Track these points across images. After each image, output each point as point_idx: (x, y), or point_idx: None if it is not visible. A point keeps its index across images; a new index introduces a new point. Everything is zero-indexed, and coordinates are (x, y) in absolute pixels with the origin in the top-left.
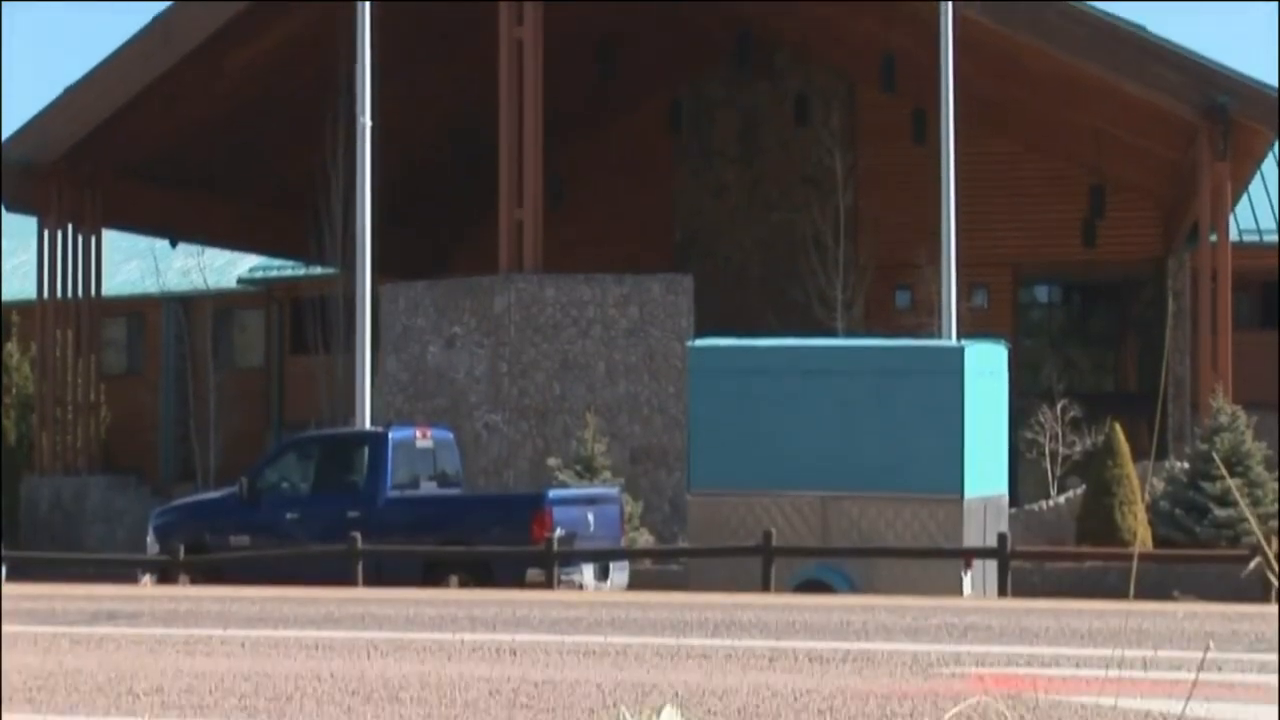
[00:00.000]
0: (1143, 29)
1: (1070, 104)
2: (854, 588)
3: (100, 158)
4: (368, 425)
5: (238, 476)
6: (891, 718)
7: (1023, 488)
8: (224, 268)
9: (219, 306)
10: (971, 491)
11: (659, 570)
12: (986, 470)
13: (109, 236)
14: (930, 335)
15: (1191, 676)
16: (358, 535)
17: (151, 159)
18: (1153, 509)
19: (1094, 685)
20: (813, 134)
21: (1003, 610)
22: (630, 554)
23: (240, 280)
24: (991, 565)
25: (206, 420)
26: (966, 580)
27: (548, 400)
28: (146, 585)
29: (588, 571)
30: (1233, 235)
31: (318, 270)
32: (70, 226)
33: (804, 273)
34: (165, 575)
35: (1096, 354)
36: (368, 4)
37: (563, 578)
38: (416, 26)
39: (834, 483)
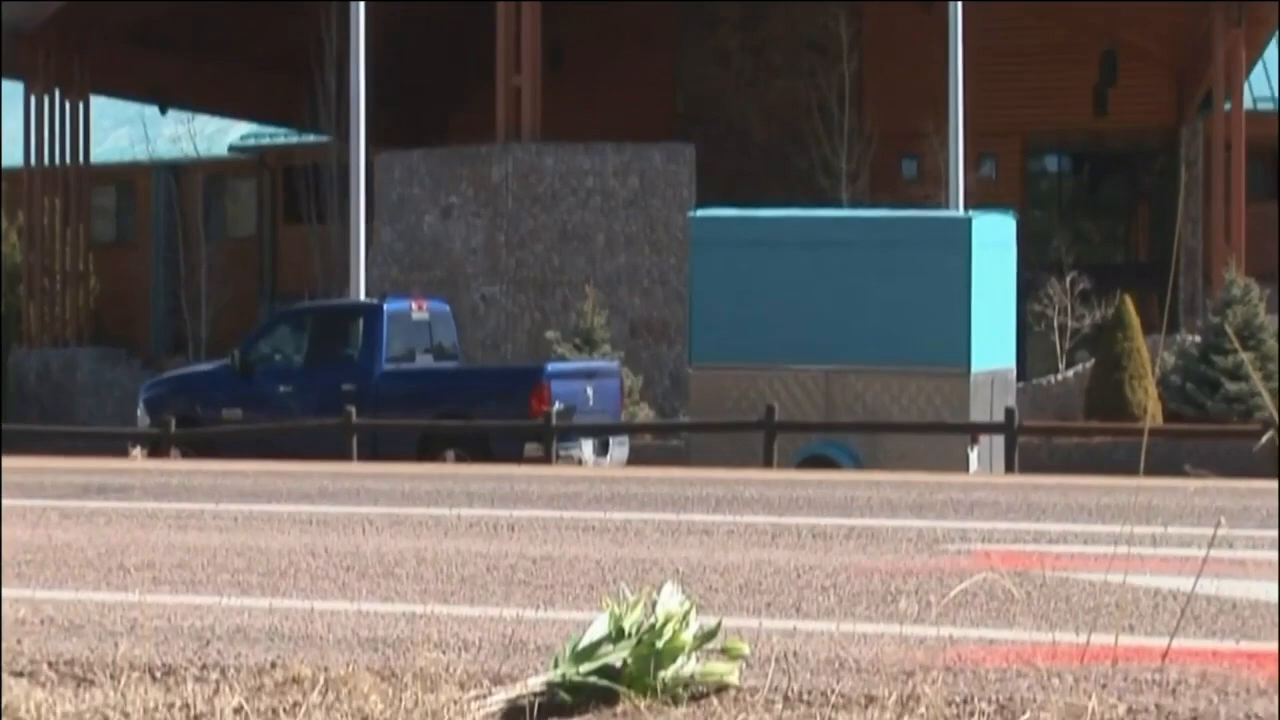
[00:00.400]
0: None
1: None
2: (858, 463)
3: (88, 21)
4: (362, 297)
5: (229, 349)
6: (896, 594)
7: (1031, 362)
8: (215, 135)
9: (210, 174)
10: (978, 365)
11: (659, 445)
12: (994, 344)
13: (97, 103)
14: (937, 206)
15: (1202, 553)
16: (352, 409)
17: (141, 22)
18: (1163, 383)
19: (1102, 562)
20: None
21: (1009, 486)
22: (630, 429)
23: (232, 148)
24: (998, 440)
25: (198, 291)
26: (973, 456)
27: (546, 272)
28: (137, 459)
29: (587, 446)
30: (1246, 103)
31: (311, 138)
32: (57, 92)
33: (808, 142)
34: (156, 449)
35: (1107, 225)
36: None
37: (561, 453)
38: None
39: (838, 356)
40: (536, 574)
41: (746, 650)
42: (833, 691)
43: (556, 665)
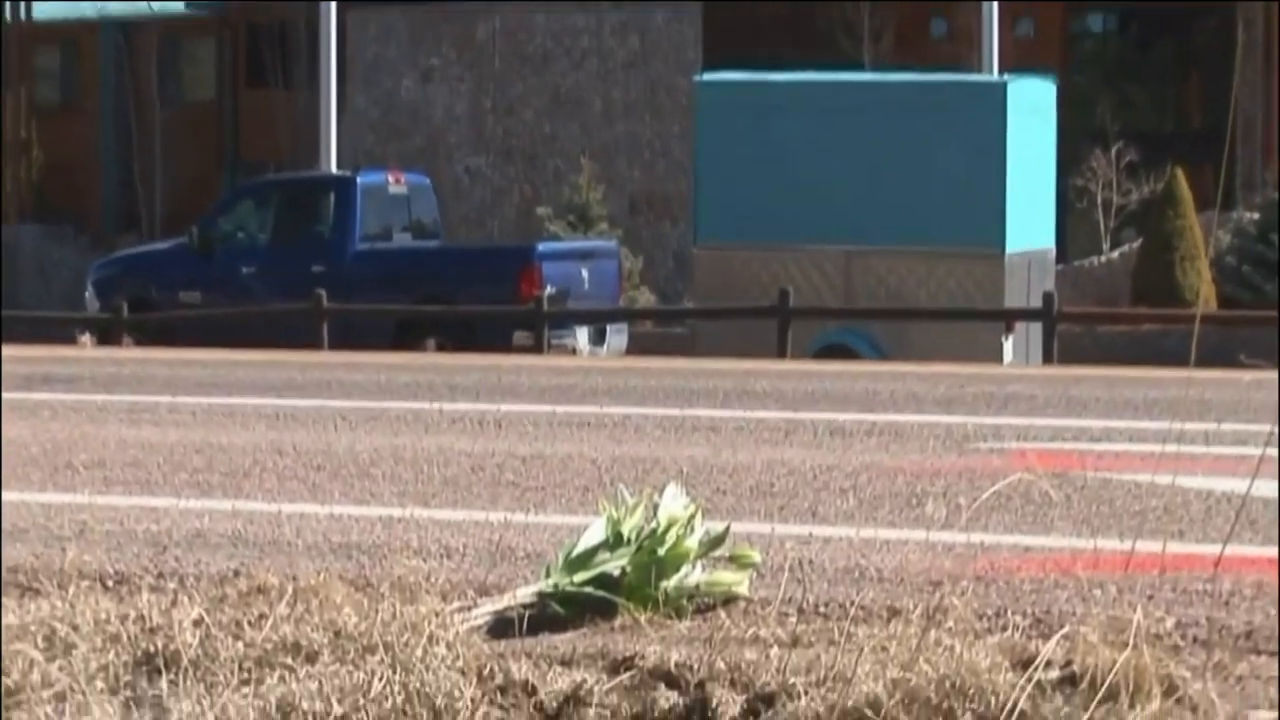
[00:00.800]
0: None
1: None
2: (881, 353)
3: None
4: (333, 169)
5: (187, 225)
6: (922, 497)
7: (1072, 242)
8: None
9: (165, 33)
10: (1014, 246)
11: (661, 333)
12: (1031, 221)
13: None
14: (969, 69)
15: (1258, 452)
16: (323, 292)
17: None
18: (1217, 265)
19: (1149, 462)
20: None
21: (1048, 379)
22: (629, 315)
23: (189, 3)
24: (1036, 328)
25: (152, 162)
26: (1008, 345)
27: (537, 142)
28: (86, 346)
29: (581, 334)
30: None
31: None
32: None
33: None
34: (106, 335)
35: (1156, 90)
36: None
37: (554, 341)
38: None
39: (860, 235)
40: (526, 475)
41: (757, 558)
42: (852, 603)
43: (548, 574)
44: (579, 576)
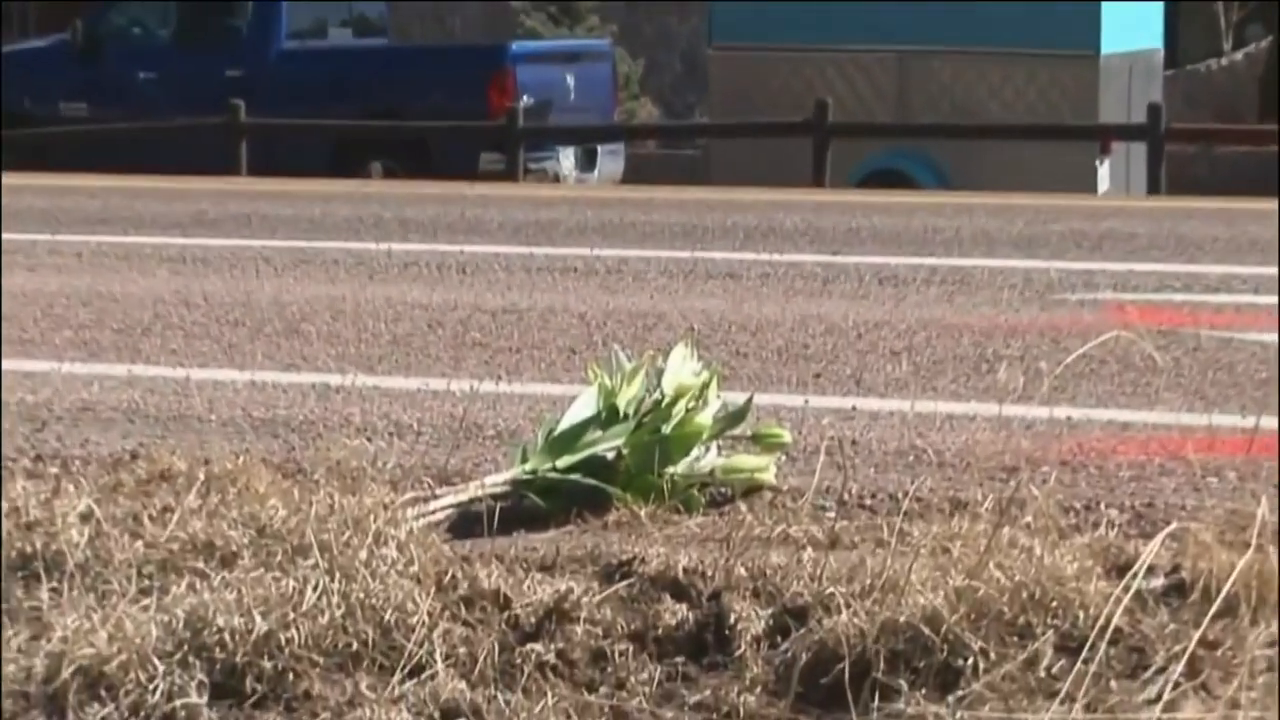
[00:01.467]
0: None
1: None
2: (943, 181)
3: None
4: None
5: (70, 19)
6: (994, 361)
7: (1184, 42)
8: None
9: None
10: (1111, 46)
11: (666, 156)
12: (1133, 16)
13: None
14: None
15: None
16: (240, 104)
17: None
18: None
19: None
20: None
21: (1153, 213)
22: (626, 133)
23: None
24: (1138, 149)
25: None
26: (1103, 170)
27: None
28: None
29: (566, 157)
30: None
31: None
32: None
33: None
34: None
35: None
36: None
37: (531, 165)
38: None
39: (916, 33)
40: (496, 331)
41: (787, 438)
42: (905, 494)
43: (524, 458)
44: (563, 461)
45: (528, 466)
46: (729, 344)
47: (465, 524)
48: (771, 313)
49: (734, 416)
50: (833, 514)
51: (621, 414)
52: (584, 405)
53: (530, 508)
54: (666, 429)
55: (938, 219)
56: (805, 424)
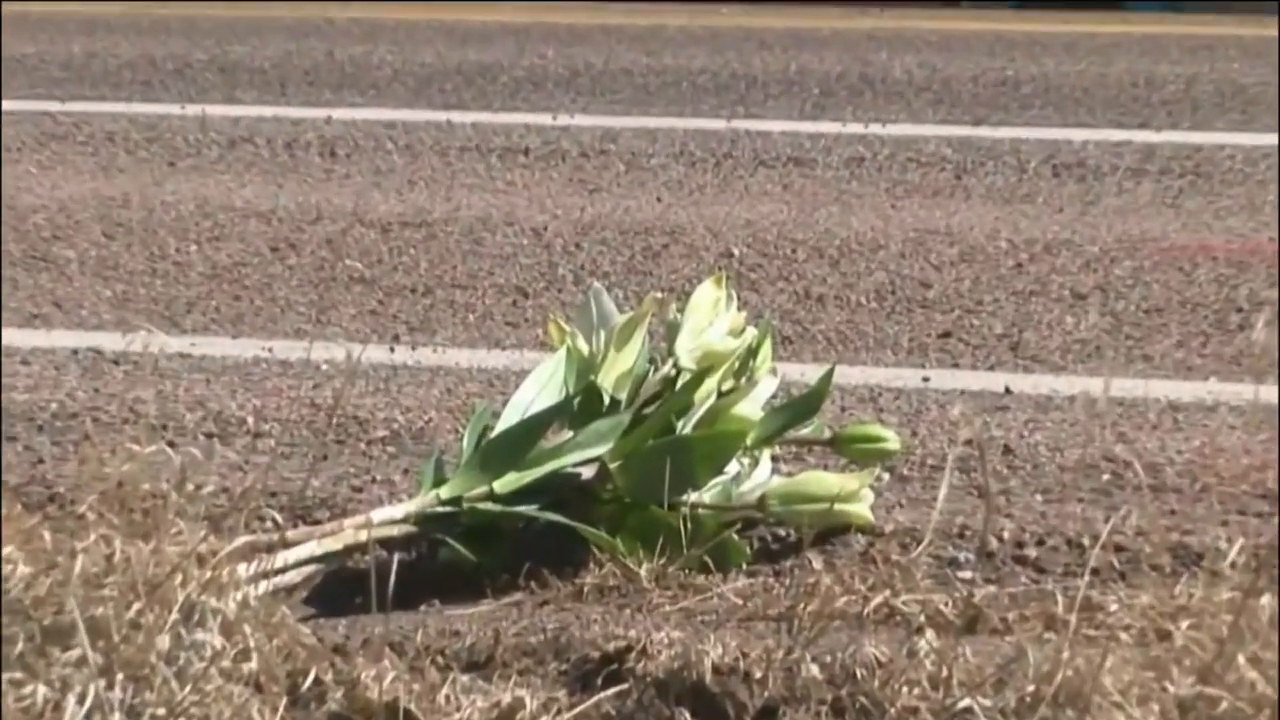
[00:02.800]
0: None
1: None
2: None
3: None
4: None
5: None
6: (1249, 310)
7: None
8: None
9: None
10: None
11: None
12: None
13: None
14: None
15: None
16: None
17: None
18: None
19: None
20: None
21: None
22: None
23: None
24: None
25: None
26: None
27: None
28: None
29: None
30: None
31: None
32: None
33: None
34: None
35: None
36: None
37: None
38: None
39: None
40: (392, 262)
41: (893, 443)
42: (1094, 540)
43: (440, 479)
44: (507, 482)
45: (447, 492)
46: (792, 280)
47: (339, 591)
48: (865, 225)
49: (801, 406)
50: (971, 573)
51: (606, 401)
52: (542, 387)
53: (452, 562)
54: (685, 427)
55: (1155, 62)
56: (924, 418)
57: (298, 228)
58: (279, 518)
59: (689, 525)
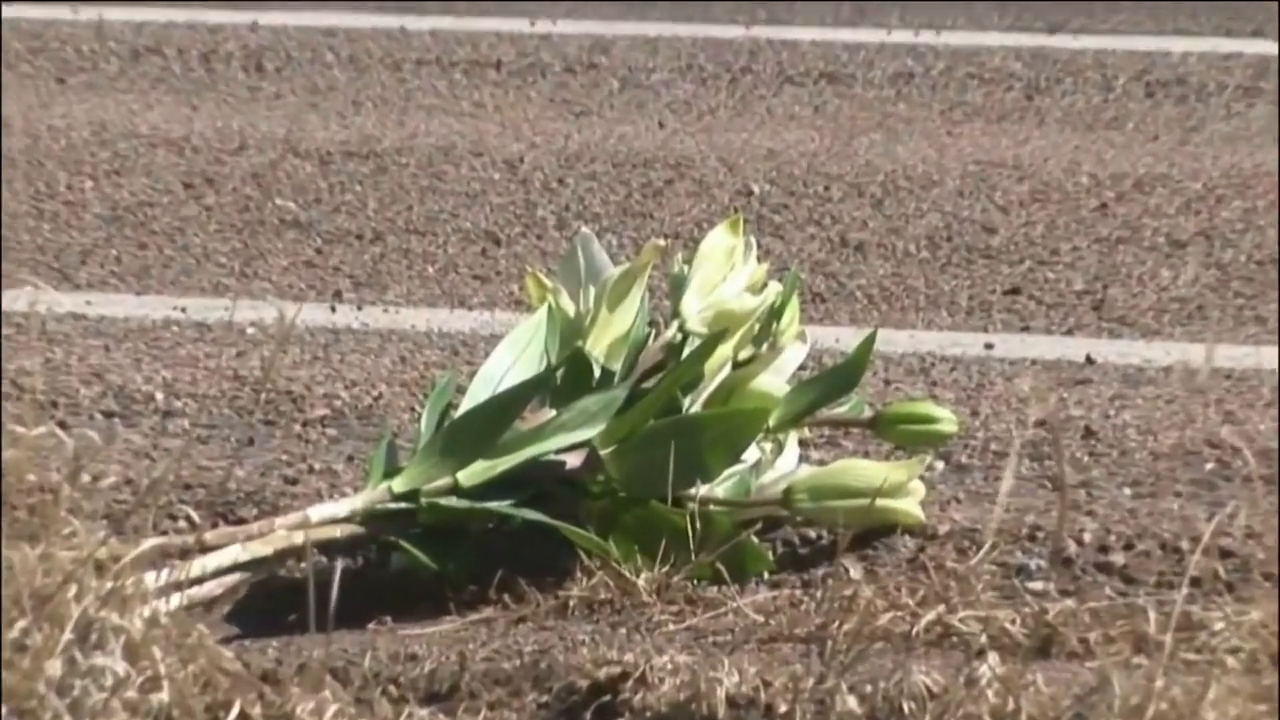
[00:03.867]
0: None
1: None
2: None
3: None
4: None
5: None
6: None
7: None
8: None
9: None
10: None
11: None
12: None
13: None
14: None
15: None
16: None
17: None
18: None
19: None
20: None
21: None
22: None
23: None
24: None
25: None
26: None
27: None
28: None
29: None
30: None
31: None
32: None
33: None
34: None
35: None
36: None
37: None
38: None
39: None
40: (332, 200)
41: (948, 425)
42: (1194, 543)
43: (391, 469)
44: (473, 472)
45: (401, 485)
46: (825, 224)
47: (269, 605)
48: (915, 157)
49: (836, 378)
50: (1043, 584)
51: (596, 373)
52: (518, 355)
53: (407, 571)
54: (693, 405)
55: None
56: (986, 393)
57: (217, 159)
58: (195, 516)
59: (698, 525)
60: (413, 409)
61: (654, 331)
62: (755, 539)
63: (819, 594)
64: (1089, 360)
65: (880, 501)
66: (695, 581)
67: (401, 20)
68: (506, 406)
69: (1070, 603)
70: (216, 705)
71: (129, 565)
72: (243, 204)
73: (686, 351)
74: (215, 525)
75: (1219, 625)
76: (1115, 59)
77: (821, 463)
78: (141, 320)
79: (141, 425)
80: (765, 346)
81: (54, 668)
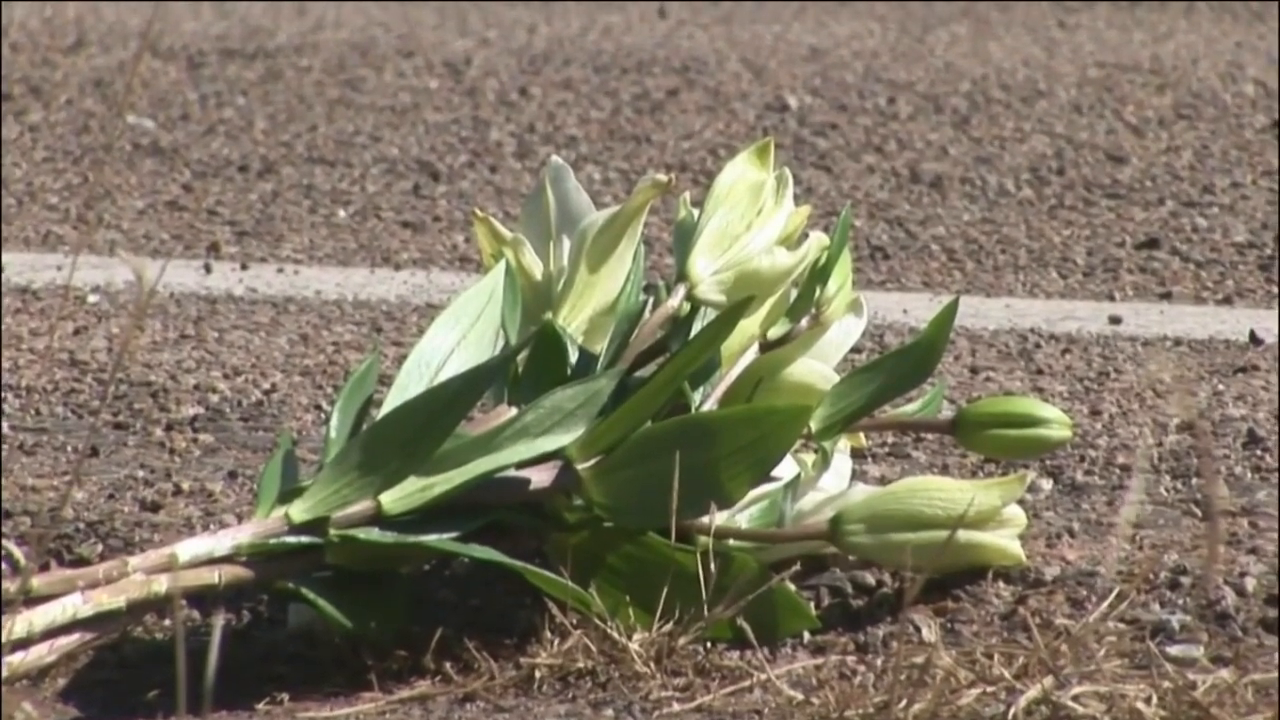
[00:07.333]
0: None
1: None
2: None
3: None
4: None
5: None
6: None
7: None
8: None
9: None
10: None
11: None
12: None
13: None
14: None
15: None
16: None
17: None
18: None
19: None
20: None
21: None
22: None
23: None
24: None
25: None
26: None
27: None
28: None
29: None
30: None
31: None
32: None
33: None
34: None
35: None
36: None
37: None
38: None
39: None
40: (240, 118)
41: (1057, 431)
42: None
43: (293, 492)
44: (402, 494)
45: (302, 512)
46: (888, 153)
47: (120, 677)
48: (1013, 58)
49: (902, 366)
50: (1188, 646)
51: (573, 357)
52: (464, 332)
53: (311, 629)
54: (707, 400)
55: None
56: (1111, 385)
57: (46, 60)
58: (19, 554)
59: (712, 567)
60: (319, 407)
61: (651, 299)
62: (791, 586)
63: (879, 662)
64: (1254, 340)
65: (963, 534)
66: (709, 644)
67: None
68: (448, 404)
69: (1226, 674)
70: None
71: None
72: (80, 122)
73: (696, 328)
74: (46, 568)
75: None
76: None
77: (883, 481)
78: None
79: None
80: (805, 321)
81: None
